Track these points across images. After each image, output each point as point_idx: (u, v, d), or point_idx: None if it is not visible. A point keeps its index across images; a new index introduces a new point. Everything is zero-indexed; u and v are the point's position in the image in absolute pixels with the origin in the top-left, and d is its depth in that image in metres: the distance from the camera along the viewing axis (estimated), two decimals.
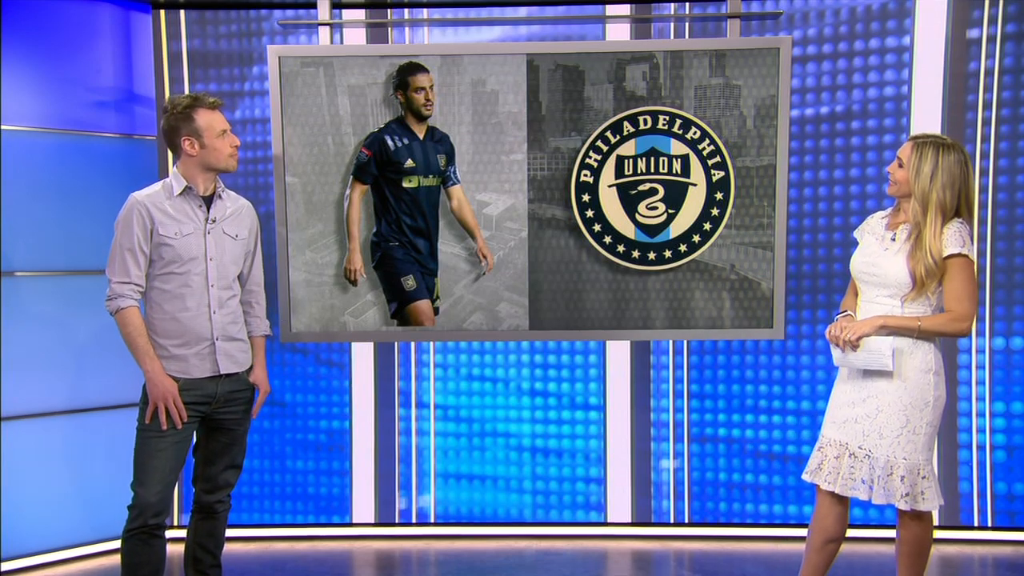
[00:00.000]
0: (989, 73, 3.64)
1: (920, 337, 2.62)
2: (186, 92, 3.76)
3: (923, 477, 2.62)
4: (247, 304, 2.87)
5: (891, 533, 3.77)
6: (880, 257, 2.68)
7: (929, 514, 2.69)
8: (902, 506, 2.61)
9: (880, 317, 2.63)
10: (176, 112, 2.67)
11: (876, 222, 2.80)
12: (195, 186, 2.69)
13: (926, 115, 3.67)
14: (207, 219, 2.70)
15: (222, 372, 2.71)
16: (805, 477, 2.78)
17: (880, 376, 2.64)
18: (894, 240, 2.68)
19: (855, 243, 2.84)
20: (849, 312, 2.77)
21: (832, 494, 2.73)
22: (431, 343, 3.89)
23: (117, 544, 2.79)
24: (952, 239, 2.55)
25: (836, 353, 2.71)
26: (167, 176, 2.76)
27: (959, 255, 2.54)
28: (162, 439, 2.62)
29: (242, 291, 2.86)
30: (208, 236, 2.69)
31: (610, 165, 3.26)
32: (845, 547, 3.72)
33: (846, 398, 2.73)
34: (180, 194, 2.67)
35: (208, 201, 2.72)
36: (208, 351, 2.69)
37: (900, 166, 2.64)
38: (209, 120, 2.66)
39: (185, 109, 2.66)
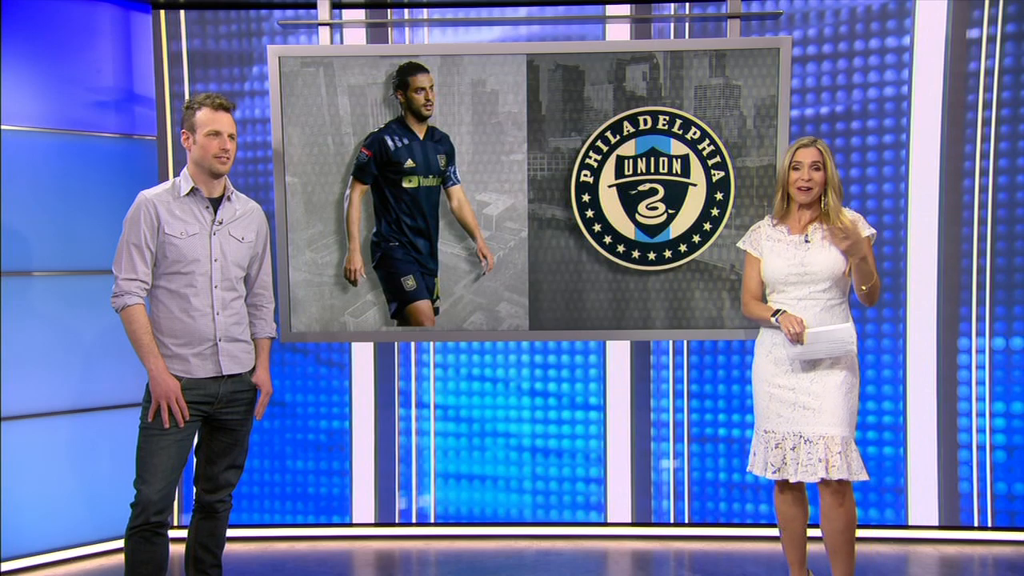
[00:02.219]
0: (989, 73, 3.64)
1: (867, 287, 2.83)
2: (186, 92, 3.78)
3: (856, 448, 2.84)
4: (254, 307, 2.87)
5: (891, 533, 3.78)
6: (806, 257, 2.86)
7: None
8: (863, 477, 2.79)
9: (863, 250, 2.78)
10: (185, 108, 2.72)
11: (771, 231, 2.98)
12: (200, 187, 2.69)
13: (926, 115, 3.67)
14: (214, 220, 2.71)
15: (224, 373, 2.72)
16: (772, 476, 2.89)
17: (819, 362, 2.82)
18: (808, 241, 2.88)
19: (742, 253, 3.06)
20: (785, 309, 2.87)
21: (792, 483, 2.90)
22: (431, 343, 3.89)
23: (120, 544, 2.79)
24: (862, 223, 2.87)
25: (794, 350, 2.82)
26: (167, 176, 2.77)
27: (868, 238, 2.84)
28: (164, 437, 2.62)
29: (250, 294, 2.87)
30: (213, 237, 2.70)
31: (610, 165, 3.26)
32: None
33: (786, 385, 2.87)
34: (187, 194, 2.68)
35: (216, 203, 2.73)
36: (210, 351, 2.69)
37: (818, 169, 2.85)
38: (206, 118, 2.67)
39: (193, 104, 2.70)
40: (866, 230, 2.86)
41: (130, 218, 2.65)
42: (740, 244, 3.08)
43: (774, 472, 2.88)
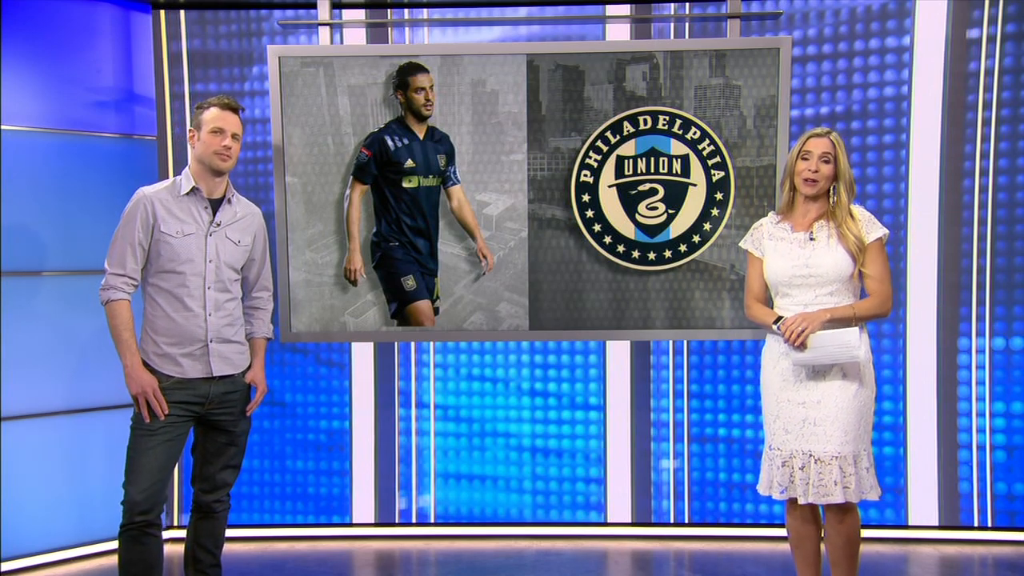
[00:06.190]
0: (989, 73, 3.64)
1: (856, 324, 2.65)
2: (186, 92, 3.79)
3: (871, 465, 2.70)
4: (253, 307, 2.88)
5: (891, 533, 3.78)
6: (811, 257, 2.68)
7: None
8: (873, 497, 2.66)
9: (824, 311, 2.63)
10: (197, 107, 2.74)
11: (773, 228, 2.80)
12: (201, 186, 2.69)
13: (926, 115, 3.67)
14: (212, 222, 2.70)
15: (215, 375, 2.71)
16: (776, 495, 2.74)
17: (829, 374, 2.66)
18: (813, 239, 2.70)
19: (744, 253, 2.89)
20: (784, 316, 2.71)
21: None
22: (431, 343, 3.89)
23: (116, 544, 2.79)
24: (872, 223, 2.68)
25: (797, 356, 2.65)
26: (167, 176, 2.77)
27: (879, 240, 2.67)
28: (152, 437, 2.62)
29: (249, 296, 2.87)
30: (210, 238, 2.69)
31: (610, 165, 3.26)
32: None
33: (795, 399, 2.70)
34: (187, 194, 2.68)
35: (216, 204, 2.72)
36: (200, 352, 2.68)
37: (828, 162, 2.67)
38: (212, 116, 2.68)
39: (204, 104, 2.71)
40: (878, 231, 2.67)
41: (127, 214, 2.65)
42: (742, 244, 2.91)
43: (782, 492, 2.73)
